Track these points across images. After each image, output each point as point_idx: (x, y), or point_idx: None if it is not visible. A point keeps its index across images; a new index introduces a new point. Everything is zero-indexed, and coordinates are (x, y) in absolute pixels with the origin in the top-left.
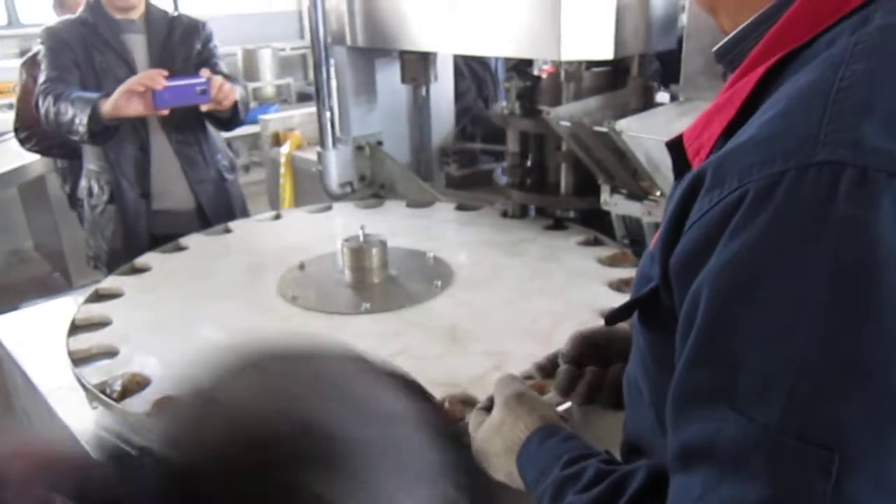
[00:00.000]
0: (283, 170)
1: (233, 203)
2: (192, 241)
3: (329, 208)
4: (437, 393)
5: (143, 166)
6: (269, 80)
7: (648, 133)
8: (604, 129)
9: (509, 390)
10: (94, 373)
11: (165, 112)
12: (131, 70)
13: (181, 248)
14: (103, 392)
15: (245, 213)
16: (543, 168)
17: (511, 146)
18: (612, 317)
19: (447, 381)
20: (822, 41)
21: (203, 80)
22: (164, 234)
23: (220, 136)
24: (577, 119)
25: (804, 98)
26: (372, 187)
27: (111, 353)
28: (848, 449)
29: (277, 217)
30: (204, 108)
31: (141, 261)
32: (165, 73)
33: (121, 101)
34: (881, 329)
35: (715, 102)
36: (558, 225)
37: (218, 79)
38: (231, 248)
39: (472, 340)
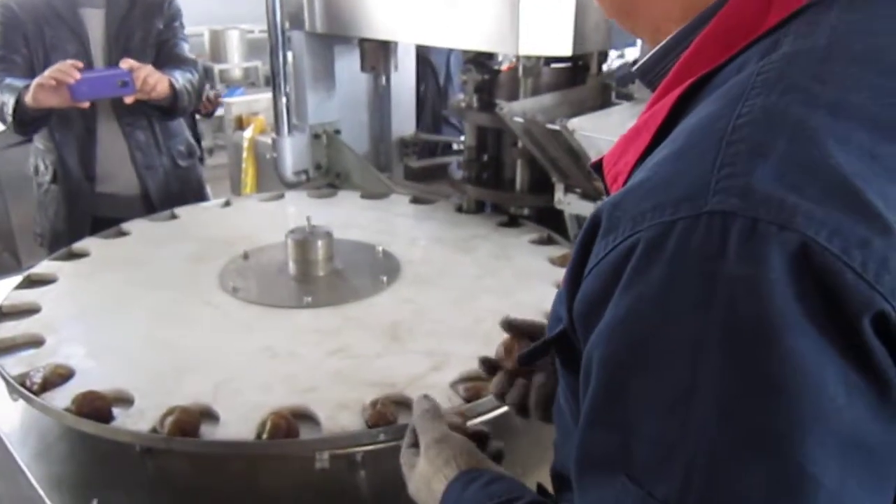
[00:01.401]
0: (245, 154)
1: (185, 190)
2: (135, 226)
3: (281, 197)
4: (372, 394)
5: (89, 148)
6: (236, 63)
7: (601, 133)
8: (556, 128)
9: (428, 436)
10: (17, 363)
11: (86, 105)
12: (83, 46)
13: (123, 234)
14: (23, 384)
15: (201, 200)
16: (500, 163)
17: (468, 140)
18: (527, 357)
19: (383, 382)
20: (733, 66)
21: (124, 71)
22: (108, 218)
23: (179, 121)
24: (530, 116)
25: (699, 137)
26: (328, 176)
27: (36, 343)
28: None
29: (227, 204)
30: (128, 99)
31: (79, 245)
32: (80, 64)
33: (38, 94)
34: (779, 398)
35: (633, 125)
36: (512, 222)
37: (144, 70)
38: (175, 235)
39: (412, 339)
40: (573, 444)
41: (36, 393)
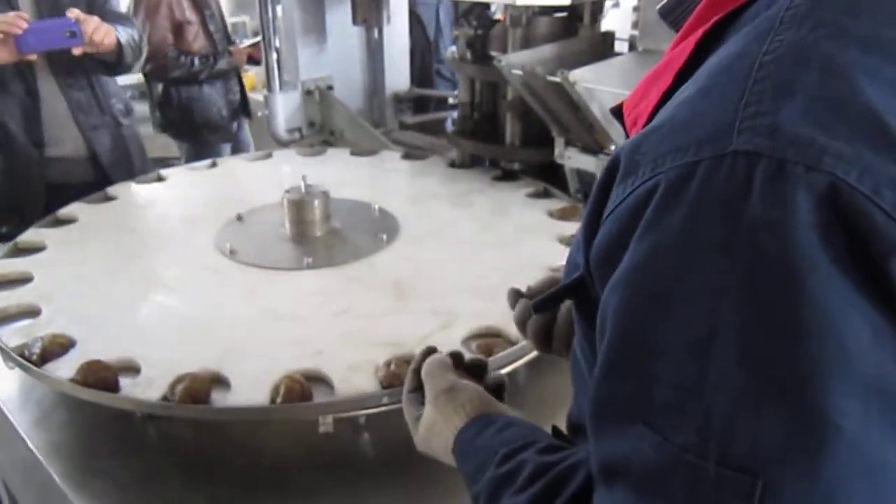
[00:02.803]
0: None
1: (132, 150)
2: (121, 190)
3: (269, 156)
4: (382, 354)
5: (33, 112)
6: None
7: (603, 84)
8: (557, 80)
9: (437, 386)
10: (13, 334)
11: (33, 57)
12: (11, 7)
13: (109, 198)
14: (21, 355)
15: (144, 161)
16: (495, 117)
17: (461, 94)
18: (542, 304)
19: (392, 342)
20: (762, 2)
21: (72, 20)
22: (61, 184)
23: (114, 79)
24: (529, 68)
25: (725, 75)
26: (322, 134)
27: (32, 313)
28: (771, 474)
29: (213, 165)
30: (76, 51)
31: (65, 212)
32: (26, 15)
33: None
34: (801, 342)
35: (655, 67)
36: (508, 176)
37: (92, 20)
38: (164, 198)
39: (417, 298)
40: (589, 394)
41: (36, 364)
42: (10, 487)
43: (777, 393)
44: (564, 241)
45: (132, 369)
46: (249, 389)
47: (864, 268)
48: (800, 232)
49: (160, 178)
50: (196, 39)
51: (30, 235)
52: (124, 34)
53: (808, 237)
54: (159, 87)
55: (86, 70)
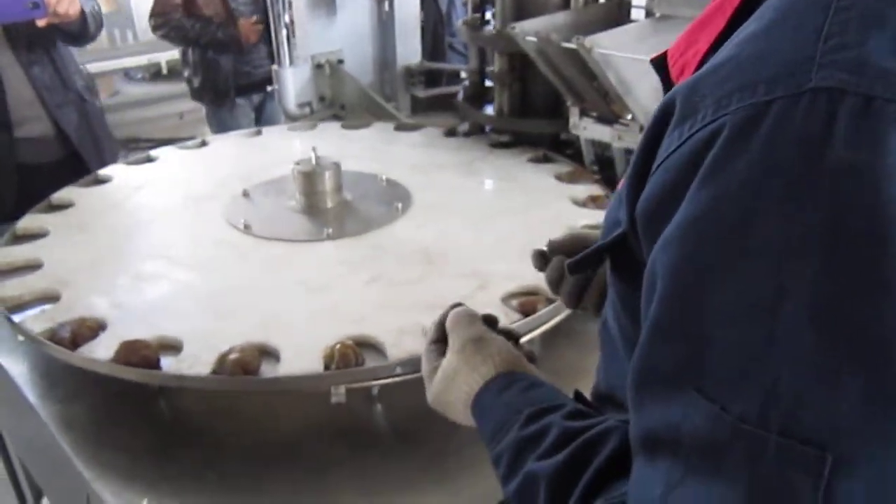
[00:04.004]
0: None
1: (97, 126)
2: (114, 171)
3: (259, 133)
4: (427, 317)
5: None
6: None
7: (620, 50)
8: (572, 46)
9: (467, 334)
10: (35, 321)
11: None
12: None
13: (101, 181)
14: (51, 338)
15: (111, 139)
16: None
17: (472, 63)
18: (577, 265)
19: (434, 304)
20: None
21: None
22: (32, 164)
23: (74, 55)
24: (544, 34)
25: (799, 5)
26: (332, 108)
27: (52, 298)
28: (842, 448)
29: (203, 144)
30: (41, 23)
31: (59, 196)
32: None
33: None
34: (885, 303)
35: (701, 15)
36: (505, 143)
37: None
38: (160, 178)
39: (448, 262)
40: (634, 359)
41: (68, 348)
42: (24, 460)
43: (855, 358)
44: (578, 202)
45: (172, 347)
46: (300, 359)
47: None
48: (890, 177)
49: (149, 159)
50: (209, 4)
51: (28, 222)
52: (87, 4)
53: None
54: (189, 51)
55: (46, 46)
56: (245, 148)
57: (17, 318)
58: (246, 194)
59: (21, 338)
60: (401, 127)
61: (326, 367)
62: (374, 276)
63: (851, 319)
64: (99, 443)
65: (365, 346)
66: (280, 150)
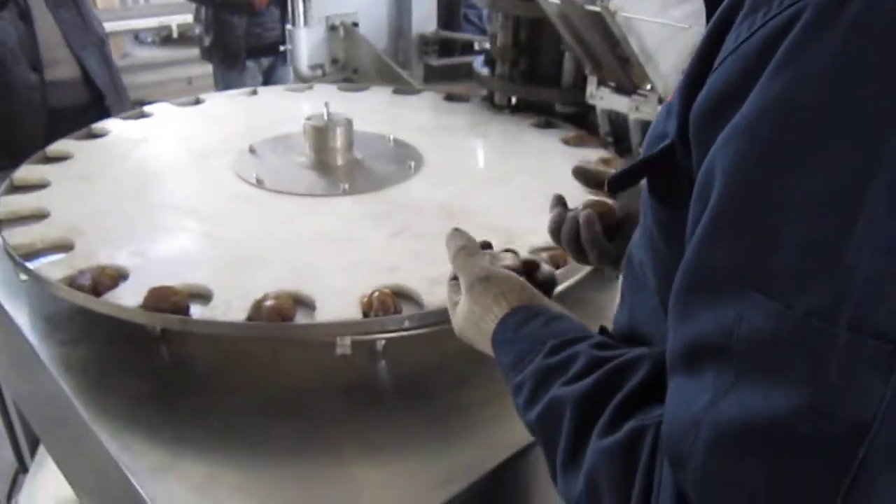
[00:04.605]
0: None
1: (115, 74)
2: (110, 125)
3: (254, 93)
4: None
5: (28, 36)
6: None
7: (644, 14)
8: (596, 9)
9: (471, 275)
10: (53, 267)
11: None
12: None
13: (94, 135)
14: (70, 285)
15: (126, 91)
16: (536, 56)
17: (492, 30)
18: (617, 181)
19: None
20: None
21: None
22: (61, 107)
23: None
24: None
25: None
26: (345, 72)
27: (64, 247)
28: None
29: (197, 102)
30: None
31: (55, 148)
32: None
33: None
34: None
35: None
36: (500, 107)
37: None
38: (158, 134)
39: (469, 218)
40: (683, 264)
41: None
42: (21, 406)
43: None
44: (591, 164)
45: (201, 296)
46: (335, 306)
47: None
48: None
49: (143, 115)
50: None
51: (24, 172)
52: None
53: None
54: (202, 9)
55: None
56: (242, 107)
57: (31, 265)
58: (252, 150)
59: (24, 277)
60: (399, 91)
61: (365, 315)
62: (399, 230)
63: None
64: (100, 386)
65: (399, 295)
66: (278, 109)
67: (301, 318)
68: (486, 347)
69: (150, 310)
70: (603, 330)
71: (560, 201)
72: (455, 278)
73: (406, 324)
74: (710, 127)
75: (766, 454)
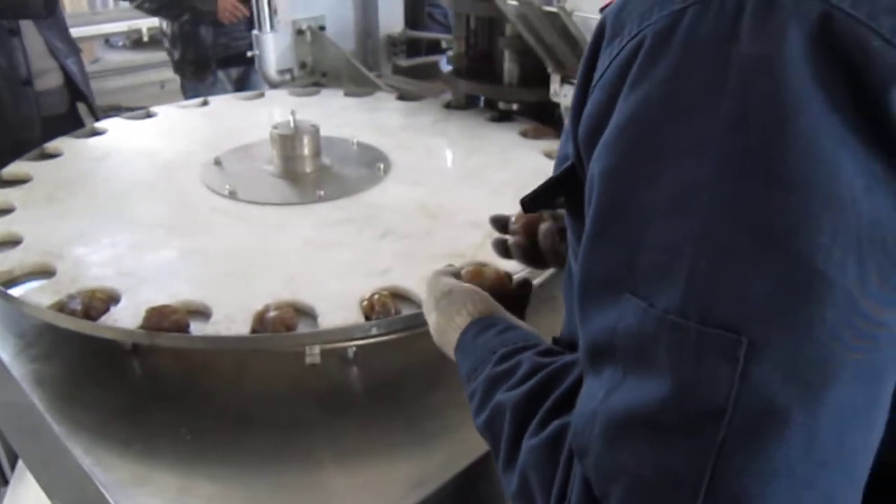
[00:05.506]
0: None
1: (88, 80)
2: (63, 145)
3: (206, 103)
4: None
5: (17, 49)
6: None
7: (600, 14)
8: (553, 10)
9: (437, 290)
10: (38, 294)
11: None
12: None
13: (49, 155)
14: (61, 311)
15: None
16: (491, 56)
17: (456, 32)
18: (530, 202)
19: (453, 253)
20: None
21: None
22: (49, 117)
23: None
24: None
25: None
26: (314, 75)
27: (45, 272)
28: (754, 331)
29: (149, 115)
30: None
31: (10, 171)
32: None
33: None
34: (789, 188)
35: None
36: (455, 104)
37: None
38: (117, 150)
39: (449, 215)
40: (576, 274)
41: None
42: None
43: (762, 244)
44: (551, 156)
45: (200, 312)
46: (337, 313)
47: (861, 105)
48: (791, 68)
49: (96, 132)
50: None
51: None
52: None
53: (799, 73)
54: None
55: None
56: (196, 117)
57: (16, 292)
58: (218, 162)
59: None
60: (350, 93)
61: (367, 318)
62: (384, 232)
63: (758, 207)
64: (73, 401)
65: (396, 296)
66: (233, 118)
67: (303, 326)
68: (453, 357)
69: (152, 330)
70: (555, 340)
71: (498, 223)
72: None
73: (409, 323)
74: (591, 147)
75: (641, 442)
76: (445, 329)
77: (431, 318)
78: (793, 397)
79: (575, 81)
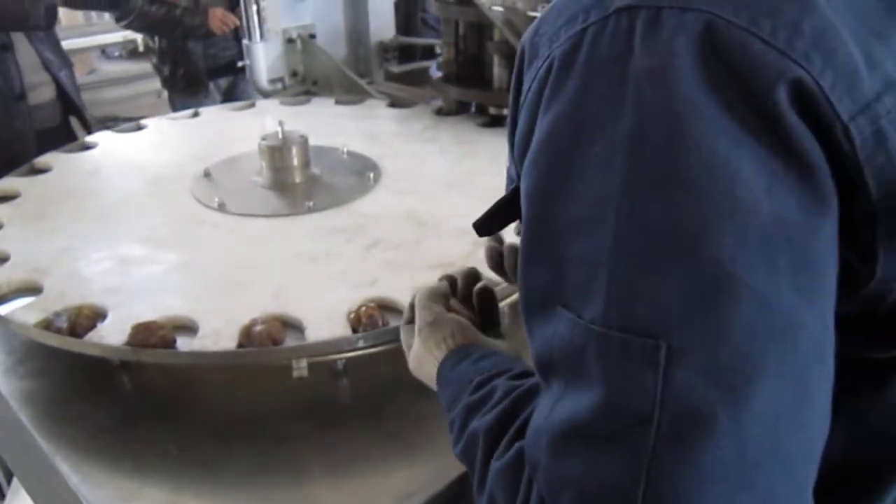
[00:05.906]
0: None
1: (79, 93)
2: (52, 160)
3: (196, 114)
4: (439, 274)
5: (11, 64)
6: None
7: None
8: (538, 14)
9: (422, 319)
10: (24, 312)
11: None
12: None
13: (38, 171)
14: (47, 329)
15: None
16: (481, 61)
17: (445, 38)
18: (482, 224)
19: (443, 262)
20: None
21: None
22: (43, 130)
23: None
24: (510, 3)
25: None
26: (305, 84)
27: (32, 290)
28: (672, 336)
29: (139, 128)
30: None
31: (2, 186)
32: None
33: None
34: (689, 194)
35: None
36: (446, 110)
37: None
38: (107, 164)
39: (438, 223)
40: (519, 294)
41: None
42: None
43: (670, 251)
44: None
45: (186, 327)
46: (325, 325)
47: (752, 106)
48: (681, 78)
49: (87, 147)
50: None
51: None
52: None
53: (689, 82)
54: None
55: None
56: (187, 129)
57: (2, 310)
58: (208, 174)
59: None
60: (341, 101)
61: (354, 330)
62: (372, 242)
63: (662, 216)
64: (61, 418)
65: (384, 308)
66: (223, 130)
67: (290, 340)
68: (434, 388)
69: (138, 346)
70: None
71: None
72: (408, 322)
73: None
74: (522, 166)
75: (580, 452)
76: (423, 359)
77: (411, 343)
78: (717, 400)
79: None
